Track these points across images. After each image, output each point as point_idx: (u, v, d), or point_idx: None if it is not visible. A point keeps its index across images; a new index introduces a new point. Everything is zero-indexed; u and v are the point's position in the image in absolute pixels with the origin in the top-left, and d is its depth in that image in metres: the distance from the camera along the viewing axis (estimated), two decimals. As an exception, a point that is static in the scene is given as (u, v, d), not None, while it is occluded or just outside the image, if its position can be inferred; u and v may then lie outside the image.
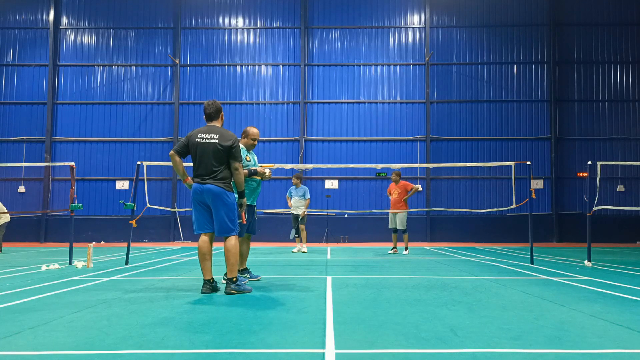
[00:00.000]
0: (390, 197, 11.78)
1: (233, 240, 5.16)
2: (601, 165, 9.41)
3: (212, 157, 5.11)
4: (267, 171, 6.21)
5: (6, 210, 12.97)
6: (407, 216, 11.60)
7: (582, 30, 20.18)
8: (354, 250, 13.74)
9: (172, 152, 5.22)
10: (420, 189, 19.30)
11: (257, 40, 20.34)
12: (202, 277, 5.24)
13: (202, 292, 5.15)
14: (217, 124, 5.34)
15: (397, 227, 11.48)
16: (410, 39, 20.24)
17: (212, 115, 5.34)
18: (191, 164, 5.33)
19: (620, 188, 19.46)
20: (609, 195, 19.24)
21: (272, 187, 19.10)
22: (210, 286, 5.19)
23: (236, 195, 5.39)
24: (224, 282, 5.33)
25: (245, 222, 5.67)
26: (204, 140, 5.16)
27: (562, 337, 3.22)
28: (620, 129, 19.75)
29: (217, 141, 5.12)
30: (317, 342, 3.07)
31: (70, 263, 8.54)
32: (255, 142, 6.33)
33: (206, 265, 5.20)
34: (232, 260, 5.15)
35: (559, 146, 19.73)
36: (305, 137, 19.65)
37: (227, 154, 5.15)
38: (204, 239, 5.22)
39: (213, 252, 5.39)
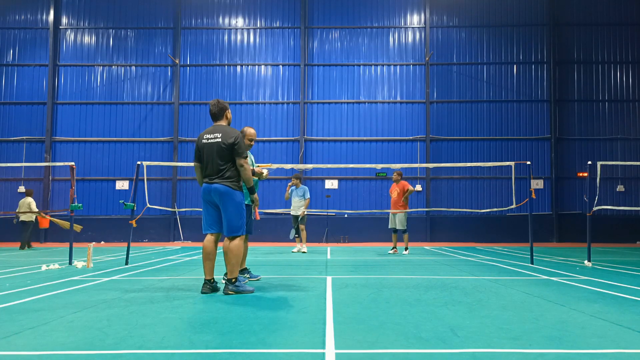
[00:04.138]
0: (391, 197, 11.78)
1: (237, 241, 5.15)
2: (601, 165, 9.40)
3: (216, 156, 5.13)
4: (265, 171, 6.22)
5: (27, 210, 14.09)
6: (407, 216, 11.59)
7: (582, 30, 20.18)
8: (354, 250, 13.74)
9: (194, 163, 5.34)
10: (420, 189, 19.31)
11: (257, 40, 20.34)
12: (202, 277, 5.24)
13: (202, 292, 5.15)
14: (222, 123, 5.36)
15: (397, 227, 11.48)
16: (410, 39, 20.24)
17: (216, 114, 5.35)
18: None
19: (620, 188, 19.46)
20: (609, 195, 19.24)
21: (272, 187, 19.10)
22: (210, 286, 5.19)
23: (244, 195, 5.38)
24: (224, 282, 5.33)
25: (258, 219, 5.68)
26: (209, 140, 5.19)
27: (562, 337, 3.22)
28: (620, 129, 19.75)
29: (220, 140, 5.14)
30: (317, 342, 3.07)
31: (70, 263, 8.54)
32: (252, 143, 6.31)
33: (208, 265, 5.20)
34: (233, 261, 5.13)
35: (559, 146, 19.73)
36: (305, 137, 19.66)
37: (231, 152, 5.15)
38: (209, 238, 5.23)
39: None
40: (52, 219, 14.03)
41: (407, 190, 11.51)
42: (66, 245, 15.58)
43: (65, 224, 13.28)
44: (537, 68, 20.02)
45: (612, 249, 14.40)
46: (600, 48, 20.11)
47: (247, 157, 5.28)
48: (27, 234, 14.19)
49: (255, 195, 5.39)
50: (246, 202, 6.15)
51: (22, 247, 14.08)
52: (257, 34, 20.38)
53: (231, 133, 5.19)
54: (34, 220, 14.50)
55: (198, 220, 19.13)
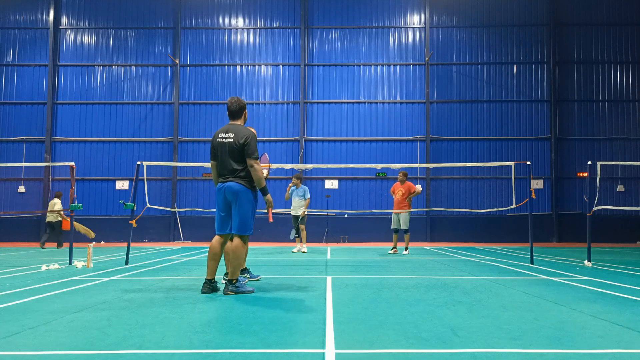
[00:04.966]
0: (393, 197, 11.80)
1: (238, 242, 5.13)
2: (601, 165, 9.40)
3: (228, 156, 5.10)
4: (265, 171, 6.20)
5: (53, 209, 14.55)
6: (410, 216, 11.62)
7: (582, 30, 20.18)
8: (354, 250, 13.74)
9: (210, 162, 5.33)
10: (420, 189, 19.30)
11: (257, 40, 20.34)
12: (202, 277, 5.22)
13: (202, 292, 5.14)
14: (239, 122, 5.31)
15: (400, 227, 11.50)
16: (410, 39, 20.24)
17: (235, 113, 5.30)
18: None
19: (620, 188, 19.47)
20: (609, 195, 19.24)
21: (272, 187, 19.08)
22: (210, 286, 5.18)
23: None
24: (224, 282, 5.32)
25: (271, 221, 5.64)
26: (224, 140, 5.15)
27: (562, 337, 3.22)
28: (620, 129, 19.76)
29: (232, 140, 5.10)
30: (317, 342, 3.07)
31: (70, 263, 8.54)
32: None
33: (212, 265, 5.19)
34: (234, 263, 5.09)
35: (559, 146, 19.74)
36: (305, 137, 19.66)
37: (242, 152, 5.10)
38: (218, 239, 5.22)
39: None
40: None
41: (414, 192, 11.56)
42: (66, 245, 15.58)
43: (89, 232, 14.02)
44: (537, 68, 20.02)
45: (612, 249, 14.39)
46: (600, 48, 20.11)
47: (257, 157, 5.15)
48: (55, 233, 14.78)
49: (269, 197, 5.32)
50: None
51: (59, 246, 14.79)
52: (257, 34, 20.38)
53: (243, 133, 5.12)
54: (59, 219, 14.85)
55: (198, 220, 19.14)
